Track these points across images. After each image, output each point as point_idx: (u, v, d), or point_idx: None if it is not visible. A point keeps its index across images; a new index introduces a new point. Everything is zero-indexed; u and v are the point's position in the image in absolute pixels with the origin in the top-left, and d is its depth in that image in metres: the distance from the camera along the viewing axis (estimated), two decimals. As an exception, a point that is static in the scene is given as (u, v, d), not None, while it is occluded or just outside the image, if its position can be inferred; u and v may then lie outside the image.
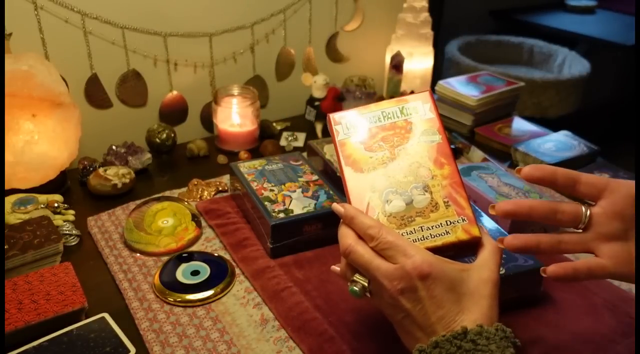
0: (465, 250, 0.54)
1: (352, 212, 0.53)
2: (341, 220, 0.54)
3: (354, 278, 0.52)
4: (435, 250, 0.52)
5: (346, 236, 0.52)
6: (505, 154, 1.08)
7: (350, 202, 0.55)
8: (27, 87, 0.84)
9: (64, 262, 0.72)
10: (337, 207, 0.55)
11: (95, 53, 0.99)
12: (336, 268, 0.56)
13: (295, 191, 0.81)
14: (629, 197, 0.51)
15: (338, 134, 0.59)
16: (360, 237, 0.52)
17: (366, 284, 0.51)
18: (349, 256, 0.51)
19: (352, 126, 0.59)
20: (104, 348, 0.61)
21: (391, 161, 0.57)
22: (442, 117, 1.19)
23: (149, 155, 0.99)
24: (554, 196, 0.95)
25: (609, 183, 0.52)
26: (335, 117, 0.60)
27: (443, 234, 0.53)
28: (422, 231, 0.53)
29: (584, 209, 0.51)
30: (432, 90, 1.26)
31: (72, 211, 0.86)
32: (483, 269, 0.50)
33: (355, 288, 0.51)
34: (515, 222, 0.77)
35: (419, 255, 0.48)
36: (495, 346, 0.45)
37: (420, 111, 0.59)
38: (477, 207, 0.79)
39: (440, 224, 0.53)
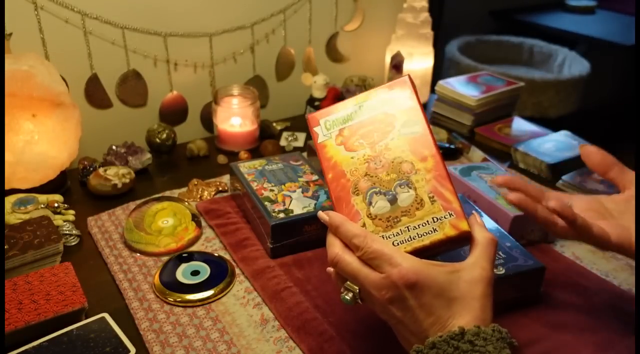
0: (456, 244, 0.52)
1: (337, 221, 0.52)
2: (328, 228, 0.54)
3: (345, 286, 0.51)
4: (424, 250, 0.51)
5: (333, 245, 0.52)
6: (505, 154, 1.08)
7: (335, 208, 0.54)
8: (27, 87, 0.84)
9: (64, 262, 0.72)
10: (323, 215, 0.54)
11: (95, 53, 0.99)
12: (331, 269, 0.56)
13: (295, 191, 0.81)
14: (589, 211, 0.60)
15: (318, 137, 0.58)
16: (347, 245, 0.51)
17: (357, 292, 0.51)
18: (337, 266, 0.51)
19: (331, 126, 0.58)
20: (104, 348, 0.61)
21: (373, 159, 0.55)
22: (442, 117, 1.20)
23: (149, 155, 0.99)
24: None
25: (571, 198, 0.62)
26: (313, 118, 0.59)
27: (430, 232, 0.51)
28: (409, 231, 0.51)
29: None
30: (432, 90, 1.26)
31: (72, 211, 0.86)
32: (474, 268, 0.49)
33: (347, 297, 0.51)
34: (517, 223, 0.77)
35: (405, 263, 0.47)
36: (492, 347, 0.45)
37: (399, 100, 0.57)
38: (477, 207, 0.79)
39: (427, 222, 0.51)
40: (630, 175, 0.62)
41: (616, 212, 0.60)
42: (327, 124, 0.58)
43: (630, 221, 0.58)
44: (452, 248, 0.53)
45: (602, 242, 0.56)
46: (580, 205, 0.61)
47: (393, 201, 0.53)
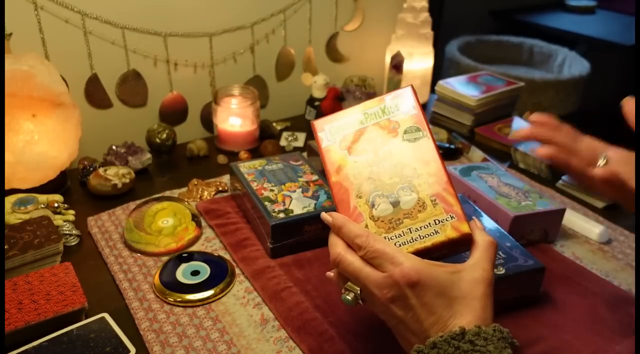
0: (458, 247, 0.53)
1: (340, 221, 0.53)
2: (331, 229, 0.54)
3: (346, 287, 0.52)
4: (426, 251, 0.51)
5: (335, 245, 0.52)
6: (505, 154, 1.08)
7: (338, 210, 0.55)
8: (27, 87, 0.84)
9: (64, 262, 0.72)
10: (326, 216, 0.54)
11: (95, 53, 0.99)
12: (331, 273, 0.56)
13: (295, 191, 0.81)
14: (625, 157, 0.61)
15: (322, 141, 0.59)
16: (350, 245, 0.52)
17: (358, 292, 0.51)
18: (339, 266, 0.51)
19: (336, 132, 0.59)
20: (104, 348, 0.61)
21: (376, 164, 0.56)
22: (442, 117, 1.21)
23: (149, 155, 1.00)
24: (553, 196, 0.95)
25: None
26: (318, 124, 0.60)
27: (432, 234, 0.52)
28: (411, 232, 0.52)
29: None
30: (432, 90, 1.26)
31: (72, 211, 0.86)
32: (475, 269, 0.49)
33: (348, 297, 0.51)
34: (517, 223, 0.77)
35: (407, 262, 0.48)
36: (493, 347, 0.45)
37: (402, 108, 0.58)
38: (477, 208, 0.79)
39: (429, 224, 0.52)
40: None
41: None
42: (331, 130, 0.60)
43: None
44: (453, 252, 0.53)
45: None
46: (618, 157, 0.61)
47: (395, 203, 0.54)
